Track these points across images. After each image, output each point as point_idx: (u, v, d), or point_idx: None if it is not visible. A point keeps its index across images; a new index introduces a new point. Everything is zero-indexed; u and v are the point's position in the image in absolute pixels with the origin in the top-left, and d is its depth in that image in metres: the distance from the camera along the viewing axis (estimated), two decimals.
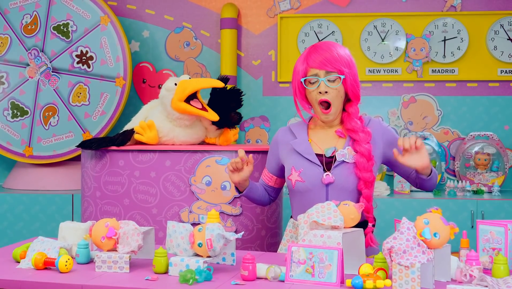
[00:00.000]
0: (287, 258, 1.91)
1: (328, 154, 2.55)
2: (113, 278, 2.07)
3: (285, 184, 2.73)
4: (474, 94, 5.15)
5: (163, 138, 3.20)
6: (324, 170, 2.53)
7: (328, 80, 2.49)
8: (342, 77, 2.49)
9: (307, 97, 2.59)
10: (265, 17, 5.38)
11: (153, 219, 3.09)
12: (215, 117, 3.11)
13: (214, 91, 3.22)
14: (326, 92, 2.49)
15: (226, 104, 3.20)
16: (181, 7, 5.45)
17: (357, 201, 2.52)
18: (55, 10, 4.95)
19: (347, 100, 2.60)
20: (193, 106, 3.11)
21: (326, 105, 2.53)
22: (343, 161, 2.52)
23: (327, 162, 2.55)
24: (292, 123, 2.73)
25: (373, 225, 2.57)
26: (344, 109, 2.60)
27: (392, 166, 2.66)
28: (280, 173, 2.74)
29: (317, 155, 2.56)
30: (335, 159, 2.54)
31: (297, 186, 2.56)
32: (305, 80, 2.53)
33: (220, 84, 3.12)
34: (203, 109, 3.12)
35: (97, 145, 3.12)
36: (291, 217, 2.73)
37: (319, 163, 2.53)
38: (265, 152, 3.13)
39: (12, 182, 5.08)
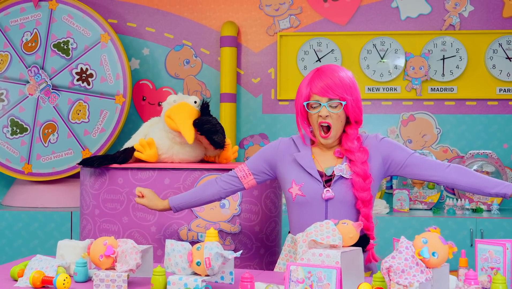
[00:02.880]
0: (286, 277, 1.90)
1: (328, 173, 2.56)
2: None
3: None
4: (473, 112, 5.17)
5: (162, 156, 3.20)
6: (324, 186, 2.54)
7: (330, 106, 2.50)
8: (344, 103, 2.50)
9: (308, 119, 2.60)
10: (264, 35, 5.40)
11: (152, 237, 3.09)
12: (190, 138, 3.07)
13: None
14: (327, 116, 2.51)
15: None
16: (181, 25, 5.48)
17: (357, 217, 2.53)
18: (56, 28, 4.98)
19: (348, 122, 2.61)
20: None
21: (326, 128, 2.54)
22: (341, 177, 2.53)
23: (326, 180, 2.55)
24: (295, 135, 2.73)
25: (374, 242, 2.58)
26: (344, 130, 2.61)
27: (402, 173, 2.62)
28: (260, 176, 2.72)
29: (318, 171, 2.57)
30: (334, 176, 2.55)
31: (297, 199, 2.56)
32: (307, 104, 2.55)
33: (191, 140, 3.11)
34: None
35: (98, 163, 3.12)
36: (289, 232, 2.73)
37: (320, 178, 2.54)
38: None
39: (11, 199, 5.07)
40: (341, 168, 2.54)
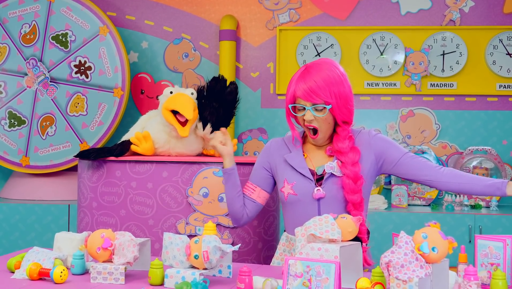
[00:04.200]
0: (284, 271, 1.89)
1: (319, 172, 2.54)
2: None
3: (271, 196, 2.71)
4: (473, 108, 5.16)
5: (159, 149, 3.19)
6: (315, 184, 2.52)
7: (315, 110, 2.47)
8: (328, 107, 2.46)
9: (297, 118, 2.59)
10: (264, 30, 5.39)
11: (150, 230, 3.08)
12: (184, 133, 3.06)
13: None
14: (311, 120, 2.47)
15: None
16: (180, 18, 5.46)
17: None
18: (54, 20, 4.96)
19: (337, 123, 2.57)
20: (174, 117, 3.09)
21: (313, 131, 2.52)
22: (333, 175, 2.51)
23: (318, 179, 2.54)
24: (286, 136, 2.71)
25: (367, 245, 2.55)
26: (334, 130, 2.57)
27: (394, 172, 2.58)
28: (266, 184, 2.69)
29: (309, 170, 2.55)
30: (325, 174, 2.53)
31: (290, 198, 2.55)
32: (292, 107, 2.52)
33: (184, 133, 3.09)
34: (183, 123, 3.09)
35: (95, 155, 3.11)
36: (285, 230, 2.71)
37: (311, 177, 2.53)
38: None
39: (9, 192, 5.06)
40: (332, 165, 2.51)
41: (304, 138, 2.67)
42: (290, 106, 2.51)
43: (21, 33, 4.98)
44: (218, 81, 3.17)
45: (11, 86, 4.95)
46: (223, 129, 2.72)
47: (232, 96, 3.17)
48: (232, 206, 2.65)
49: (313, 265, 1.85)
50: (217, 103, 3.16)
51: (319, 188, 2.51)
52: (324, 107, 2.45)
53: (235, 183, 2.64)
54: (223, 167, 2.66)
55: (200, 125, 3.21)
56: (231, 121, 3.27)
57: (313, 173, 2.54)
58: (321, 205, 2.52)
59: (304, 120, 2.49)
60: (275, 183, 2.71)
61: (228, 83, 3.18)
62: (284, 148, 2.65)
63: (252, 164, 3.12)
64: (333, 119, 2.51)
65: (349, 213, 2.50)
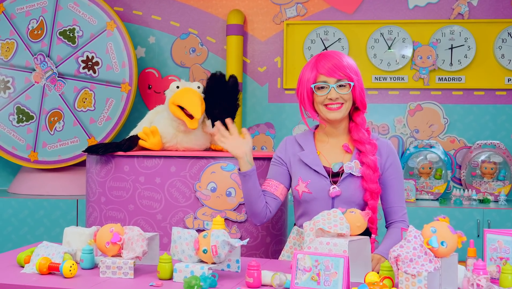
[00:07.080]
0: (293, 265, 1.89)
1: (336, 170, 2.54)
2: (118, 284, 2.06)
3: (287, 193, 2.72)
4: (481, 102, 5.14)
5: (166, 144, 3.20)
6: (331, 182, 2.52)
7: (338, 86, 2.48)
8: (352, 84, 2.49)
9: (314, 104, 2.58)
10: (271, 24, 5.38)
11: (158, 225, 3.08)
12: (193, 125, 3.07)
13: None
14: (336, 98, 2.49)
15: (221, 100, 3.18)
16: (187, 13, 5.45)
17: None
18: (62, 16, 4.96)
19: (354, 108, 2.59)
20: (182, 110, 3.10)
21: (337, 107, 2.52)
22: (350, 174, 2.51)
23: (333, 175, 2.54)
24: (298, 134, 2.71)
25: (376, 237, 2.57)
26: (351, 119, 2.59)
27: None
28: (287, 181, 2.69)
29: (324, 167, 2.56)
30: (343, 172, 2.53)
31: (304, 197, 2.56)
32: (314, 86, 2.52)
33: (193, 126, 3.10)
34: (191, 116, 3.09)
35: (103, 150, 3.12)
36: (295, 224, 2.72)
37: (326, 175, 2.53)
38: (270, 159, 3.11)
39: (17, 187, 5.08)
40: (351, 165, 2.53)
41: (315, 136, 2.67)
42: (312, 85, 2.51)
43: (28, 29, 4.99)
44: (216, 78, 3.18)
45: (19, 82, 4.96)
46: (228, 120, 2.68)
47: (235, 89, 3.18)
48: (255, 207, 2.60)
49: (322, 260, 1.85)
50: (221, 99, 3.17)
51: (335, 186, 2.51)
52: (348, 83, 2.49)
53: (255, 185, 2.59)
54: (239, 169, 2.59)
55: (209, 122, 3.22)
56: (239, 115, 3.28)
57: (328, 170, 2.55)
58: (335, 203, 2.52)
59: (325, 99, 2.50)
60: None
61: (227, 77, 3.21)
62: (296, 147, 2.65)
63: (262, 158, 3.12)
64: (352, 101, 2.54)
65: (365, 203, 2.52)
